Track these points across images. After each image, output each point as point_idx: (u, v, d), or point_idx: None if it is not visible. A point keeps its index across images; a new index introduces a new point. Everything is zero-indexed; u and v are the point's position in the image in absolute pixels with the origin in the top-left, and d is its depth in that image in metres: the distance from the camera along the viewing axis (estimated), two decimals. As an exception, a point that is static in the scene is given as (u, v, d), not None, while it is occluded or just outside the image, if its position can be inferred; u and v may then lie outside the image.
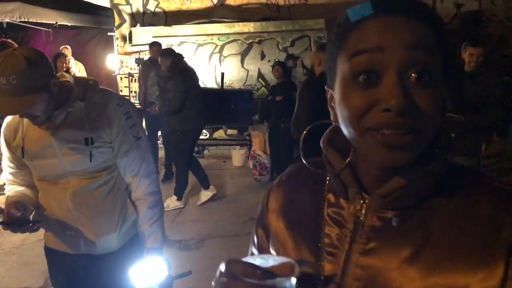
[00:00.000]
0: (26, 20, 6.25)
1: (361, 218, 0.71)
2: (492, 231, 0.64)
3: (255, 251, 0.92)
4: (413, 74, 0.60)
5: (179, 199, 5.50)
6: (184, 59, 5.54)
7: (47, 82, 1.60)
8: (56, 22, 6.57)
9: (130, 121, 1.81)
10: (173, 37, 8.66)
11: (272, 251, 0.84)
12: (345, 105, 0.64)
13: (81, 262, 1.87)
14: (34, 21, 6.43)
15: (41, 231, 1.91)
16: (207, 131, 8.48)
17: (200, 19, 9.07)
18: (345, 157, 0.73)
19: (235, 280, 0.60)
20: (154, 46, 6.46)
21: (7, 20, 6.10)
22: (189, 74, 5.49)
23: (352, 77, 0.63)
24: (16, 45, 5.20)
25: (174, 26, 8.79)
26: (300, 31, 8.71)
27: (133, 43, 8.73)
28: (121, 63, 8.53)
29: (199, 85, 5.69)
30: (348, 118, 0.64)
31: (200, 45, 8.91)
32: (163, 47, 6.42)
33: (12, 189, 1.87)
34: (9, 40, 6.11)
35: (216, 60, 8.97)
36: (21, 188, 1.87)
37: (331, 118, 0.74)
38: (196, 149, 7.00)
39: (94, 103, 1.76)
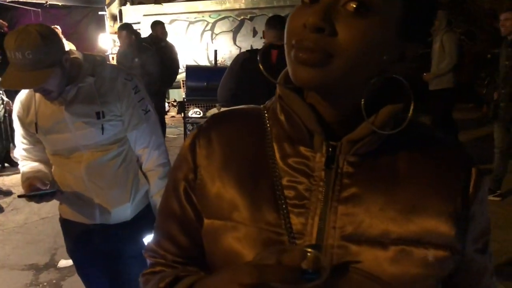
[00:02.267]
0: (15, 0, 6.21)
1: (333, 165, 0.69)
2: (448, 174, 0.70)
3: (165, 242, 0.81)
4: (351, 4, 0.60)
5: None
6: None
7: (60, 57, 1.66)
8: (46, 2, 6.53)
9: (138, 95, 1.87)
10: (163, 15, 8.61)
11: (213, 221, 0.73)
12: (287, 25, 0.64)
13: (97, 231, 1.95)
14: (23, 0, 6.37)
15: (50, 208, 1.98)
16: (201, 110, 8.52)
17: (191, -4, 9.03)
18: (304, 100, 0.70)
19: None
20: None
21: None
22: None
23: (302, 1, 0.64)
24: (6, 24, 5.19)
25: (164, 4, 8.74)
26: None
27: (123, 22, 8.67)
28: (114, 42, 8.48)
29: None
30: (285, 38, 0.64)
31: (191, 22, 8.88)
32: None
33: (27, 165, 1.94)
34: (0, 20, 6.07)
35: (208, 37, 8.96)
36: (35, 164, 1.94)
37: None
38: (191, 127, 7.05)
39: (104, 78, 1.82)
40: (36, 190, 1.73)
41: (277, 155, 0.72)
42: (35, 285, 3.49)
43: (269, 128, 0.74)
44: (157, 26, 6.55)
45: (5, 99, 5.06)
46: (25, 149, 1.95)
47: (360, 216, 0.67)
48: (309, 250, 0.58)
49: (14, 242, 4.23)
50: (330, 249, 0.66)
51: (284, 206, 0.68)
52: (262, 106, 0.79)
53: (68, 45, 7.31)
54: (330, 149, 0.69)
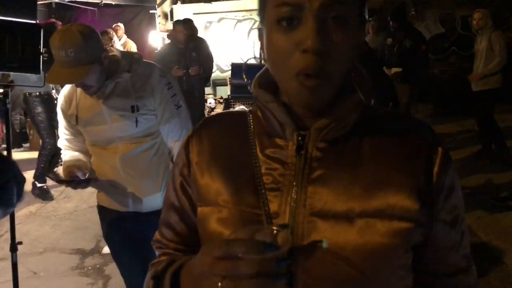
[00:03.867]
0: (74, 0, 6.56)
1: (302, 152, 0.76)
2: (411, 152, 0.76)
3: (167, 232, 0.90)
4: (331, 19, 0.68)
5: None
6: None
7: (99, 54, 1.80)
8: (101, 1, 6.85)
9: (171, 91, 1.98)
10: (212, 14, 8.77)
11: (203, 208, 0.82)
12: (271, 47, 0.72)
13: (130, 218, 2.08)
14: (81, 0, 6.72)
15: (93, 200, 2.12)
16: (246, 107, 8.64)
17: (240, -5, 9.14)
18: (276, 97, 0.78)
19: (235, 260, 0.61)
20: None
21: (57, 0, 6.42)
22: None
23: (277, 22, 0.70)
24: (60, 23, 5.51)
25: (213, 3, 8.90)
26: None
27: (174, 20, 8.91)
28: (163, 40, 8.75)
29: None
30: (274, 60, 0.72)
31: (239, 21, 8.99)
32: (203, 23, 6.58)
33: (68, 154, 2.10)
34: (54, 20, 6.43)
35: (255, 35, 9.03)
36: (76, 153, 2.10)
37: (263, 58, 0.79)
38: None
39: (139, 75, 1.94)
40: (74, 177, 1.88)
41: (258, 148, 0.80)
42: (80, 268, 3.72)
43: (251, 126, 0.83)
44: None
45: (56, 96, 5.38)
46: (67, 140, 2.11)
47: (326, 195, 0.74)
48: (275, 228, 0.64)
49: (64, 227, 4.51)
50: (301, 224, 0.73)
51: (262, 190, 0.76)
52: (248, 110, 0.89)
53: (128, 43, 7.61)
54: (300, 138, 0.76)
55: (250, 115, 0.85)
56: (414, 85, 5.71)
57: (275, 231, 0.63)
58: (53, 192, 5.33)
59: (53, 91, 5.19)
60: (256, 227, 0.65)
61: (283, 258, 0.62)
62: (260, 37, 0.79)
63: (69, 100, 2.01)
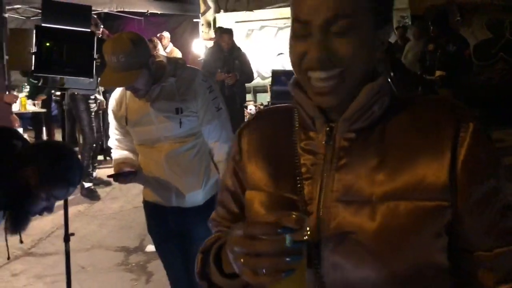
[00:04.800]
0: (122, 10, 6.88)
1: (331, 142, 0.82)
2: (437, 131, 0.79)
3: (221, 210, 1.01)
4: (334, 28, 0.75)
5: None
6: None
7: (147, 60, 1.95)
8: (148, 11, 7.14)
9: (212, 94, 2.11)
10: (254, 22, 8.93)
11: (250, 191, 0.91)
12: (291, 51, 0.81)
13: (173, 213, 2.21)
14: (128, 10, 7.04)
15: (137, 201, 2.28)
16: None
17: (281, 3, 9.27)
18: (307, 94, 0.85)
19: (254, 240, 0.68)
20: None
21: (106, 10, 6.75)
22: None
23: (293, 34, 0.80)
24: (107, 32, 5.81)
25: (255, 11, 9.06)
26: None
27: (217, 27, 9.13)
28: (206, 48, 8.98)
29: None
30: (292, 62, 0.81)
31: (280, 28, 9.09)
32: (245, 31, 6.74)
33: (118, 153, 2.28)
34: (105, 31, 6.75)
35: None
36: (125, 152, 2.27)
37: None
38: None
39: (183, 79, 2.08)
40: (121, 172, 2.04)
41: (298, 141, 0.88)
42: (125, 265, 3.90)
43: (296, 121, 0.91)
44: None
45: (100, 98, 5.65)
46: (117, 139, 2.28)
47: (351, 181, 0.80)
48: (295, 213, 0.71)
49: (110, 226, 4.73)
50: (327, 209, 0.80)
51: (298, 179, 0.84)
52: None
53: (174, 51, 7.86)
54: (329, 129, 0.83)
55: (296, 110, 0.91)
56: (457, 92, 5.62)
57: (294, 216, 0.70)
58: (100, 193, 5.58)
59: (97, 95, 5.50)
60: (282, 213, 0.73)
61: (298, 240, 0.68)
62: None
63: (119, 102, 2.17)
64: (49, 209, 1.76)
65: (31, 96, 6.81)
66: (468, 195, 0.78)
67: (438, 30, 5.71)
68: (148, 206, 2.31)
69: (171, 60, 2.14)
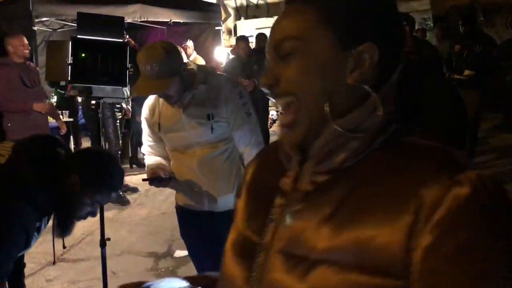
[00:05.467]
0: (145, 19, 7.00)
1: (297, 184, 0.74)
2: (409, 189, 0.61)
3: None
4: (281, 51, 0.71)
5: None
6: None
7: (179, 68, 2.01)
8: (170, 20, 7.25)
9: (242, 100, 2.16)
10: (274, 28, 8.98)
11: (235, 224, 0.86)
12: None
13: (205, 217, 2.26)
14: (152, 20, 7.16)
15: (168, 205, 2.33)
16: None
17: (301, 8, 9.31)
18: None
19: None
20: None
21: (129, 20, 6.88)
22: None
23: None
24: (133, 42, 5.95)
25: (275, 17, 9.11)
26: (403, 13, 8.54)
27: (238, 35, 9.23)
28: (228, 55, 9.08)
29: None
30: None
31: (301, 33, 9.14)
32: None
33: (151, 158, 2.34)
34: (130, 40, 6.90)
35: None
36: (158, 158, 2.33)
37: None
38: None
39: (214, 86, 2.14)
40: (155, 176, 2.10)
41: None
42: (155, 270, 3.95)
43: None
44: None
45: (125, 106, 5.77)
46: (150, 146, 2.34)
47: (298, 230, 0.69)
48: None
49: (138, 232, 4.80)
50: (270, 259, 0.71)
51: (267, 220, 0.75)
52: None
53: (198, 59, 7.96)
54: (299, 169, 0.75)
55: None
56: (484, 92, 5.53)
57: None
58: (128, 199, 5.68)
59: (123, 104, 5.62)
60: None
61: None
62: None
63: (152, 109, 2.23)
64: (93, 214, 1.84)
65: (59, 106, 6.97)
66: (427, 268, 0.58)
67: (467, 30, 5.59)
68: (181, 211, 2.36)
69: (201, 67, 2.20)
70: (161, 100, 2.16)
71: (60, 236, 1.88)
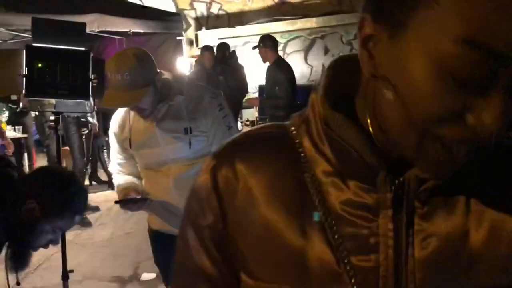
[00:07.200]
0: (104, 29, 6.70)
1: (401, 208, 0.54)
2: None
3: None
4: None
5: None
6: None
7: (153, 77, 1.81)
8: (130, 30, 6.98)
9: (222, 112, 1.97)
10: (237, 38, 8.88)
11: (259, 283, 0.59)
12: (417, 95, 0.45)
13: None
14: (110, 30, 6.87)
15: (132, 224, 2.11)
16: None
17: (262, 19, 9.25)
18: (358, 126, 0.55)
19: None
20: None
21: (87, 31, 6.57)
22: None
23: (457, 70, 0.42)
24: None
25: (237, 27, 9.01)
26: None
27: (199, 46, 9.05)
28: (191, 66, 8.87)
29: None
30: (433, 114, 0.45)
31: (263, 44, 9.07)
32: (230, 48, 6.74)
33: (121, 178, 2.11)
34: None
35: (279, 57, 9.09)
36: (128, 177, 2.11)
37: (363, 70, 0.52)
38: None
39: (192, 97, 1.95)
40: (128, 197, 1.88)
41: (326, 193, 0.57)
42: (121, 296, 3.69)
43: (304, 158, 0.59)
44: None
45: (92, 120, 5.49)
46: (119, 164, 2.11)
47: (440, 255, 0.55)
48: None
49: (101, 254, 4.50)
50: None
51: (343, 256, 0.55)
52: (287, 123, 0.64)
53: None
54: (394, 187, 0.54)
55: (297, 141, 0.60)
56: None
57: None
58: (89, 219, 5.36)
59: (89, 117, 5.34)
60: None
61: None
62: (367, 39, 0.55)
63: (122, 124, 2.01)
64: (55, 241, 1.61)
65: (10, 121, 6.59)
66: None
67: None
68: (155, 236, 2.14)
69: (177, 77, 2.01)
70: (132, 112, 1.95)
71: (14, 270, 1.63)
